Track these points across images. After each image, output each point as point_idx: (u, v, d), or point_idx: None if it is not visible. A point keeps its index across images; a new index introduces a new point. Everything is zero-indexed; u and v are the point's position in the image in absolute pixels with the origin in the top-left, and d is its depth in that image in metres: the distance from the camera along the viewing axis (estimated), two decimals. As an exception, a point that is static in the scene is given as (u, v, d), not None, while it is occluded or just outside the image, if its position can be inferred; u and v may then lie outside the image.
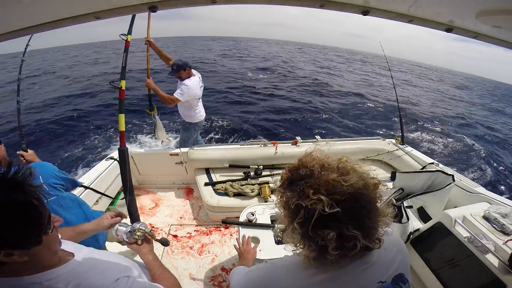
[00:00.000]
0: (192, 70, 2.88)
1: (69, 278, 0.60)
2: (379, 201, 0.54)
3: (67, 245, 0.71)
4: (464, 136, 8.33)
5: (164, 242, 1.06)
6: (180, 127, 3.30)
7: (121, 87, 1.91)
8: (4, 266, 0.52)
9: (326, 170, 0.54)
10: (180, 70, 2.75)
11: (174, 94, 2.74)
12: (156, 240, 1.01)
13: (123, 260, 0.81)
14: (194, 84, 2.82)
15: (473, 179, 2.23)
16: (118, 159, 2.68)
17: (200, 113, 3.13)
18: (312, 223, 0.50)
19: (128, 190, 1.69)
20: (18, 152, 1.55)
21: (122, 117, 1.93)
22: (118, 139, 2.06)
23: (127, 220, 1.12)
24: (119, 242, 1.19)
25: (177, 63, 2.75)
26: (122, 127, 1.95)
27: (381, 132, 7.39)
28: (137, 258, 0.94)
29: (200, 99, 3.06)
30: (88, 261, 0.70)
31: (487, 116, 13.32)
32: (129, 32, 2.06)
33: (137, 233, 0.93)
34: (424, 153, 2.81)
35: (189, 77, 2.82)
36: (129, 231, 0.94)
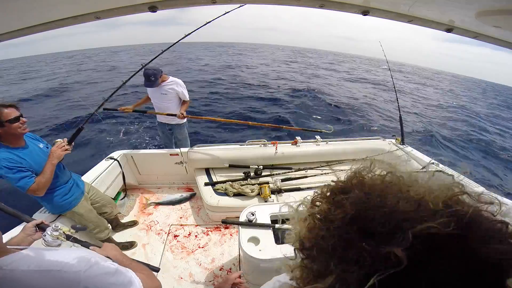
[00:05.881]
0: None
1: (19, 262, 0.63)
2: None
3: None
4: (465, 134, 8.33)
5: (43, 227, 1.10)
6: (170, 132, 3.24)
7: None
8: None
9: None
10: (158, 77, 2.65)
11: (185, 98, 2.89)
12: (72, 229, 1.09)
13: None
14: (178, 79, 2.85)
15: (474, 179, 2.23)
16: (118, 159, 2.69)
17: None
18: None
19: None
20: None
21: None
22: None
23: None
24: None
25: (154, 72, 2.61)
26: None
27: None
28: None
29: None
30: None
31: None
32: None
33: (54, 233, 1.01)
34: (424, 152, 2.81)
35: (164, 80, 2.77)
36: (52, 236, 1.00)
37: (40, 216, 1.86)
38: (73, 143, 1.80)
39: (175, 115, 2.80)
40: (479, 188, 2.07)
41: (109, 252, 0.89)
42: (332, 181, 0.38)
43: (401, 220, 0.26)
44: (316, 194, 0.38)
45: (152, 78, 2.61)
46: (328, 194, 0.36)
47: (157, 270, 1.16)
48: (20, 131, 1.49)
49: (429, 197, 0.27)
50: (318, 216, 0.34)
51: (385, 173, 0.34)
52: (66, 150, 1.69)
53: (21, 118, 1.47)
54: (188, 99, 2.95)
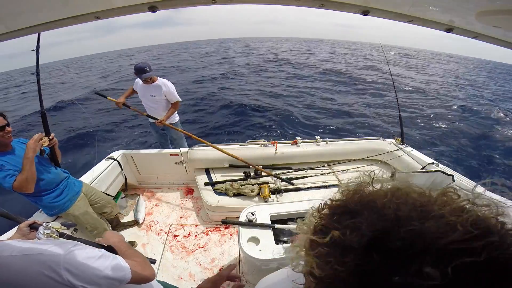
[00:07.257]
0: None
1: None
2: None
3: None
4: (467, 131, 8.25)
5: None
6: (164, 132, 3.19)
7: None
8: None
9: None
10: (152, 69, 2.65)
11: (174, 99, 2.83)
12: (61, 225, 1.09)
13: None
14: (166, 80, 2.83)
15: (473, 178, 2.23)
16: (118, 159, 2.69)
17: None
18: None
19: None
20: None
21: None
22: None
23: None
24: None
25: (148, 64, 2.61)
26: None
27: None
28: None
29: None
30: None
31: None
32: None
33: (46, 232, 1.02)
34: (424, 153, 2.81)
35: (153, 80, 2.75)
36: (44, 234, 1.01)
37: (39, 216, 1.87)
38: (52, 134, 1.74)
39: (157, 119, 2.79)
40: (479, 188, 2.07)
41: (110, 239, 0.90)
42: (329, 199, 0.35)
43: (432, 245, 0.24)
44: (314, 214, 0.34)
45: (147, 68, 2.58)
46: (330, 216, 0.32)
47: (153, 262, 1.16)
48: (3, 140, 1.53)
49: (457, 219, 0.25)
50: (326, 241, 0.29)
51: (387, 184, 0.32)
52: (41, 140, 1.62)
53: (6, 127, 1.51)
54: (178, 100, 2.87)
